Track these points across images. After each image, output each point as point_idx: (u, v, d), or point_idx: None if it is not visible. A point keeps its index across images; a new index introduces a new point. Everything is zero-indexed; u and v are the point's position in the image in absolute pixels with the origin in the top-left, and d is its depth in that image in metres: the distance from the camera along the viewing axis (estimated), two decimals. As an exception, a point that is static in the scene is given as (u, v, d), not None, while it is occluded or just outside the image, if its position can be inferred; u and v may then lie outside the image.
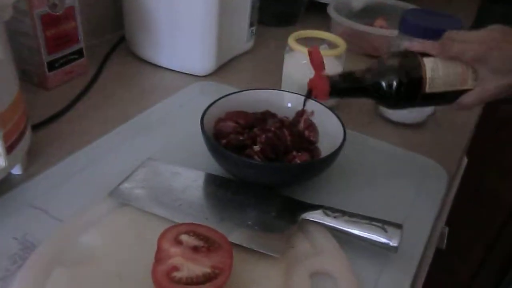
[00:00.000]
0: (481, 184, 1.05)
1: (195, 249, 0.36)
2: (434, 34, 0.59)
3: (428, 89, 0.45)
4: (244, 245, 0.40)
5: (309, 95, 0.50)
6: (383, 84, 0.46)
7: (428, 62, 0.46)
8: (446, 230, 0.64)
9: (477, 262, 1.17)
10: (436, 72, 0.45)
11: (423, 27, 0.59)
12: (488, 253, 1.16)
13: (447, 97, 0.46)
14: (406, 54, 0.47)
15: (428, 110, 0.65)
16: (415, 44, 0.47)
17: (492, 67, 0.43)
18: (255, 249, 0.40)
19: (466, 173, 0.74)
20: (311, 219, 0.43)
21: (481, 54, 0.43)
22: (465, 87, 0.45)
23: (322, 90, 0.47)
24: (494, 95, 0.44)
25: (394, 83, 0.45)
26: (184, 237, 0.37)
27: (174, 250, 0.36)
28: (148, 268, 0.35)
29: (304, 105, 0.52)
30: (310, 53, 0.48)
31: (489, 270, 1.17)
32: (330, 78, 0.47)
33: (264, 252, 0.40)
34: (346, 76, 0.48)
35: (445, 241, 0.64)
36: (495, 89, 0.44)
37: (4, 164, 0.40)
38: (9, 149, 0.42)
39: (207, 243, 0.37)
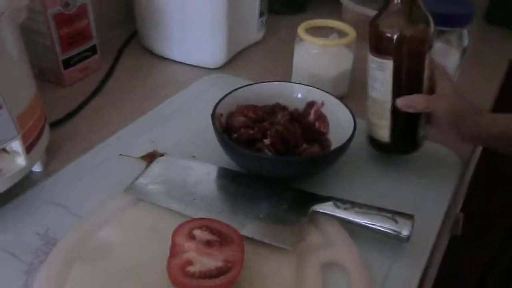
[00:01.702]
0: (497, 168, 1.03)
1: (208, 243, 0.38)
2: (447, 19, 0.58)
3: None
4: (257, 238, 0.41)
5: None
6: None
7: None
8: (462, 216, 0.63)
9: (495, 247, 1.16)
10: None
11: (436, 13, 0.57)
12: (507, 237, 1.15)
13: None
14: None
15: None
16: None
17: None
18: (268, 242, 0.41)
19: (481, 158, 0.73)
20: (321, 211, 0.44)
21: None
22: None
23: None
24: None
25: None
26: (197, 232, 0.39)
27: (188, 244, 0.37)
28: (164, 261, 0.37)
29: None
30: None
31: (507, 254, 1.16)
32: None
33: (276, 245, 0.41)
34: None
35: (461, 227, 0.64)
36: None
37: (24, 163, 0.42)
38: (29, 148, 0.44)
39: (220, 238, 0.38)
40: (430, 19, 0.48)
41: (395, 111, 0.49)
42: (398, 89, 0.49)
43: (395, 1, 0.47)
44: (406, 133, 0.52)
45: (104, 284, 0.38)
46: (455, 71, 0.63)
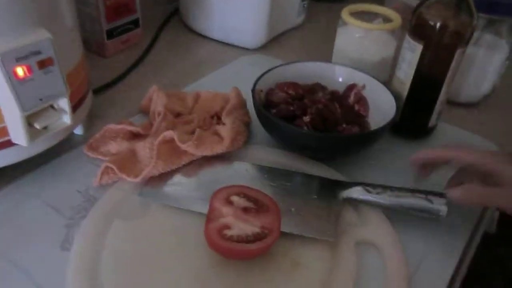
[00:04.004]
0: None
1: (245, 209, 0.38)
2: (498, 7, 0.56)
3: None
4: (295, 232, 0.39)
5: None
6: None
7: None
8: (496, 214, 0.62)
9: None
10: None
11: (486, 1, 0.56)
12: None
13: None
14: None
15: (484, 89, 0.62)
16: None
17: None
18: (308, 235, 0.39)
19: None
20: (353, 197, 0.43)
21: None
22: None
23: None
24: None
25: None
26: (235, 198, 0.39)
27: (226, 210, 0.37)
28: (201, 226, 0.37)
29: None
30: None
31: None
32: None
33: (318, 238, 0.39)
34: None
35: (495, 225, 0.62)
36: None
37: (69, 122, 0.43)
38: (74, 108, 0.45)
39: (256, 205, 0.38)
40: (476, 15, 0.47)
41: (410, 94, 0.51)
42: (420, 75, 0.50)
43: None
44: (416, 117, 0.53)
45: (141, 241, 0.38)
46: (503, 64, 0.61)
